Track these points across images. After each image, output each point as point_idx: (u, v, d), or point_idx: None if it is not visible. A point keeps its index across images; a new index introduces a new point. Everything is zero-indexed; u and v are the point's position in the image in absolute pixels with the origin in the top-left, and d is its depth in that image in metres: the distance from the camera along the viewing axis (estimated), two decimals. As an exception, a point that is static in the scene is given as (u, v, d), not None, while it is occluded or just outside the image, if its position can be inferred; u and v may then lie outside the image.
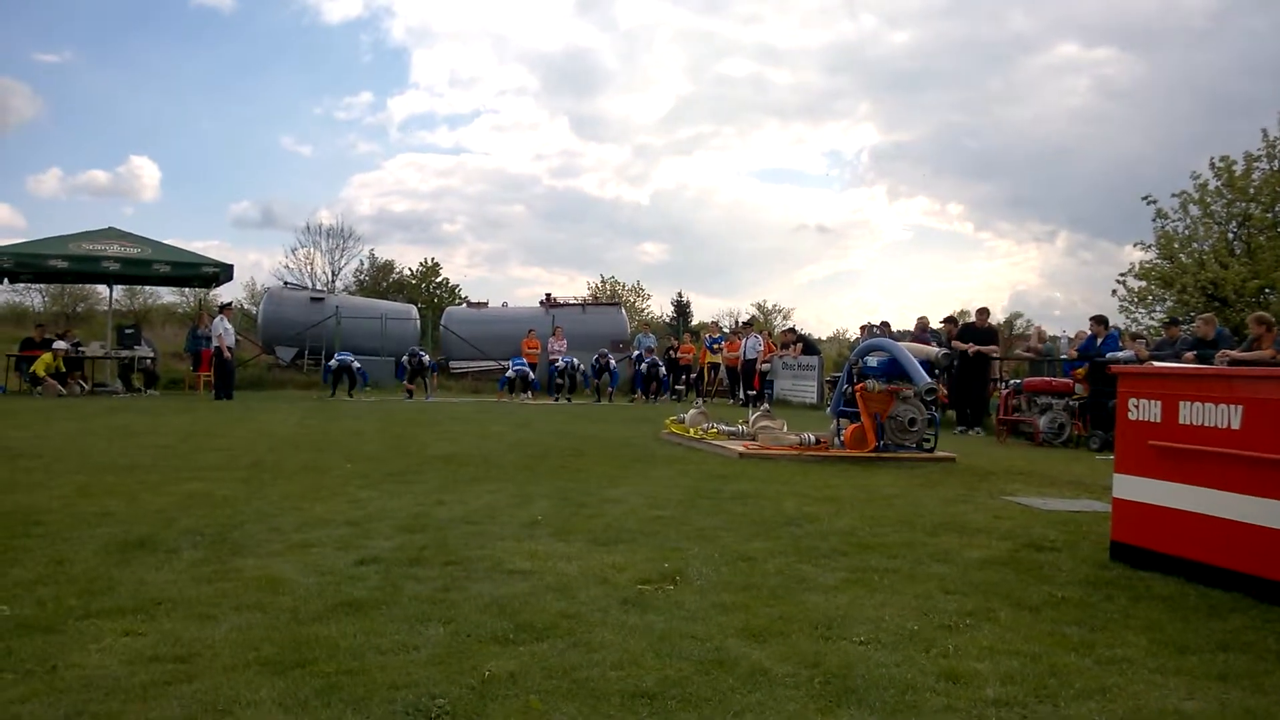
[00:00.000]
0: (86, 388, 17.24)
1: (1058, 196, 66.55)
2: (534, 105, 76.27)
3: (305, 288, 31.17)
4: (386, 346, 22.86)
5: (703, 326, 34.21)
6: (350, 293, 39.09)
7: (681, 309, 49.49)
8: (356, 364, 17.65)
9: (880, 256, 78.11)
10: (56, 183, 66.47)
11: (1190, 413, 4.02)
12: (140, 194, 67.96)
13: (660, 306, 51.47)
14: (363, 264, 48.36)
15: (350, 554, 4.03)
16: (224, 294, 23.23)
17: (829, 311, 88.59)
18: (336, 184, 76.17)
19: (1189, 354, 10.48)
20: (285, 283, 33.67)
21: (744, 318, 38.01)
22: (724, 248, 75.93)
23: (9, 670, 2.53)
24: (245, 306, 37.83)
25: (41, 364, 16.01)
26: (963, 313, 18.38)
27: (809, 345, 20.45)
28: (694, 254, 74.89)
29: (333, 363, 17.68)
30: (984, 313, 14.25)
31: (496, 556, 4.03)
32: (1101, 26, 60.57)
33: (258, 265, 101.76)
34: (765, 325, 40.02)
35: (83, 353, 17.85)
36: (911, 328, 16.63)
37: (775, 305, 53.24)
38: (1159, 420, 4.16)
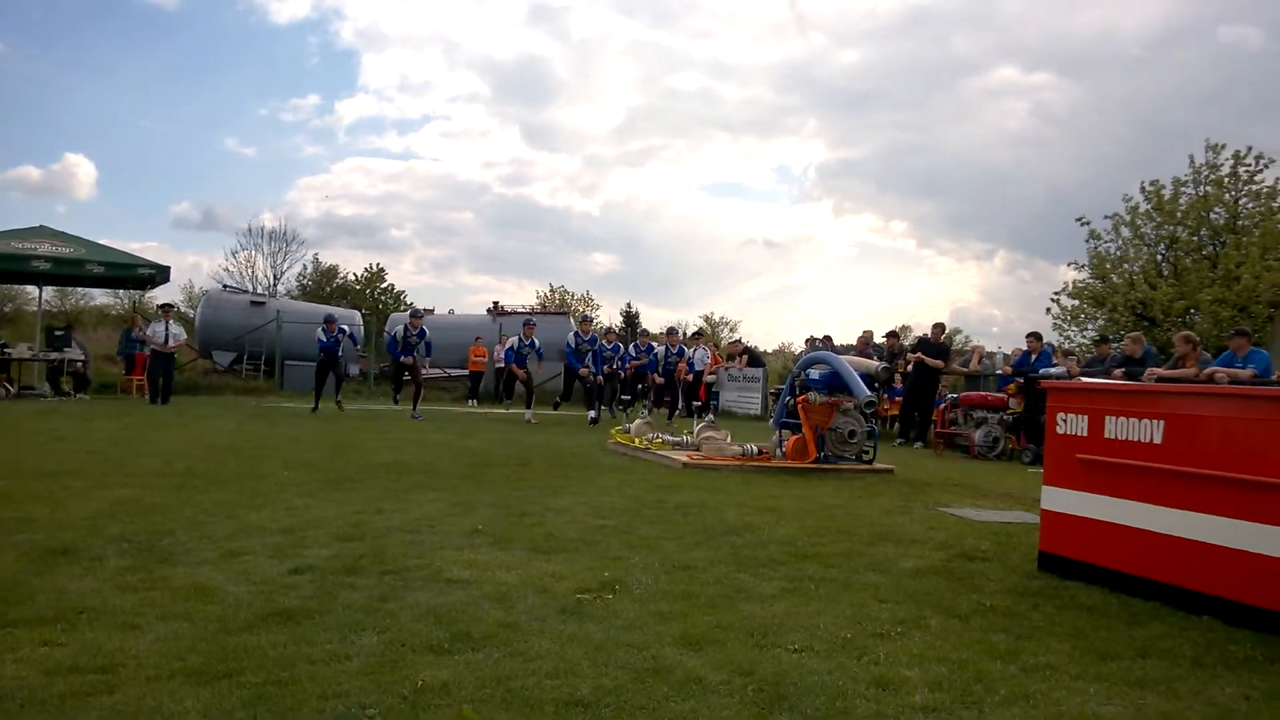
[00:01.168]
0: (12, 390, 16.67)
1: (997, 216, 68.17)
2: (485, 113, 76.04)
3: (245, 291, 30.61)
4: (328, 353, 22.50)
5: (653, 337, 34.27)
6: (293, 297, 38.49)
7: (630, 319, 49.57)
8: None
9: (825, 271, 79.16)
10: (-18, 178, 64.45)
11: (1115, 427, 4.14)
12: (75, 192, 66.22)
13: (609, 316, 51.48)
14: (306, 268, 47.68)
15: (284, 562, 3.96)
16: (160, 296, 22.71)
17: (775, 324, 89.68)
18: (281, 187, 75.10)
19: (1118, 371, 10.79)
20: (224, 286, 32.98)
21: (691, 329, 38.24)
22: (673, 259, 76.32)
23: (-80, 682, 2.45)
24: (183, 309, 36.97)
25: None
26: (904, 328, 18.71)
27: (754, 357, 20.66)
28: (644, 265, 75.15)
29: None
30: (939, 328, 14.50)
31: (435, 565, 4.00)
32: (1040, 52, 62.31)
33: (197, 268, 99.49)
34: (713, 337, 40.28)
35: (9, 354, 17.26)
36: (854, 342, 16.90)
37: (723, 317, 53.59)
38: (1086, 434, 4.29)
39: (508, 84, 73.52)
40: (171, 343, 16.50)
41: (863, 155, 73.73)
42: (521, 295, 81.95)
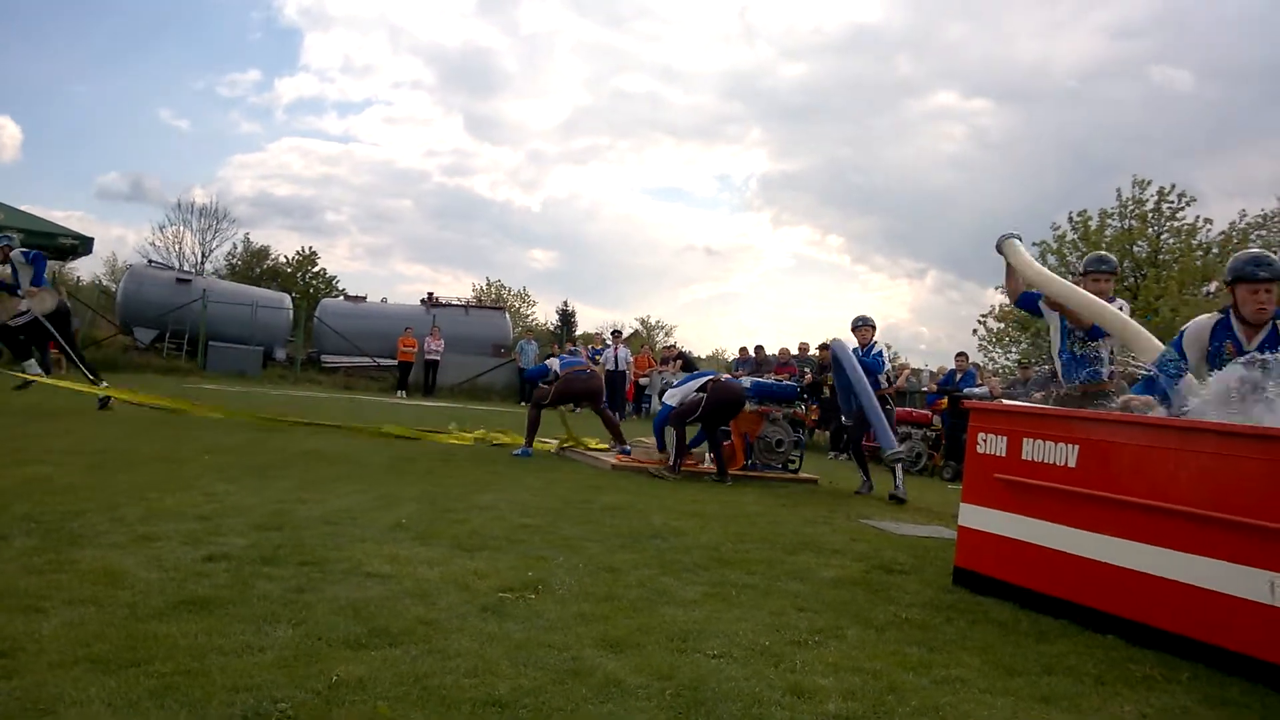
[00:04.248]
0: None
1: (930, 236, 69.65)
2: (428, 100, 75.20)
3: (171, 268, 29.69)
4: (256, 335, 22.03)
5: (586, 337, 34.26)
6: (220, 276, 37.49)
7: (566, 318, 49.45)
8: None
9: (762, 281, 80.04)
10: (-106, 135, 61.54)
11: (1032, 449, 4.27)
12: (-1, 153, 63.57)
13: (545, 314, 51.31)
14: (236, 247, 46.50)
15: (199, 549, 3.86)
16: (82, 268, 21.92)
17: (710, 331, 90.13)
18: (214, 162, 73.19)
19: (1038, 394, 11.11)
20: (150, 261, 31.94)
21: (628, 331, 38.35)
22: (612, 260, 76.45)
23: None
24: (104, 283, 35.76)
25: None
26: (836, 341, 19.00)
27: (688, 363, 20.75)
28: (582, 264, 75.13)
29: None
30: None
31: (355, 558, 3.94)
32: (980, 79, 63.93)
33: (122, 240, 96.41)
34: (647, 340, 40.37)
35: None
36: (778, 354, 17.14)
37: (659, 321, 53.85)
38: (1004, 455, 4.41)
39: (453, 73, 72.87)
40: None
41: (803, 168, 74.78)
42: (457, 287, 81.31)
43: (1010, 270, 6.05)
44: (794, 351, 17.76)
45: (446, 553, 4.24)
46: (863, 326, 9.03)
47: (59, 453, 6.38)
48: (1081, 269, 6.04)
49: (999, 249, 6.08)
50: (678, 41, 73.61)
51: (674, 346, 24.85)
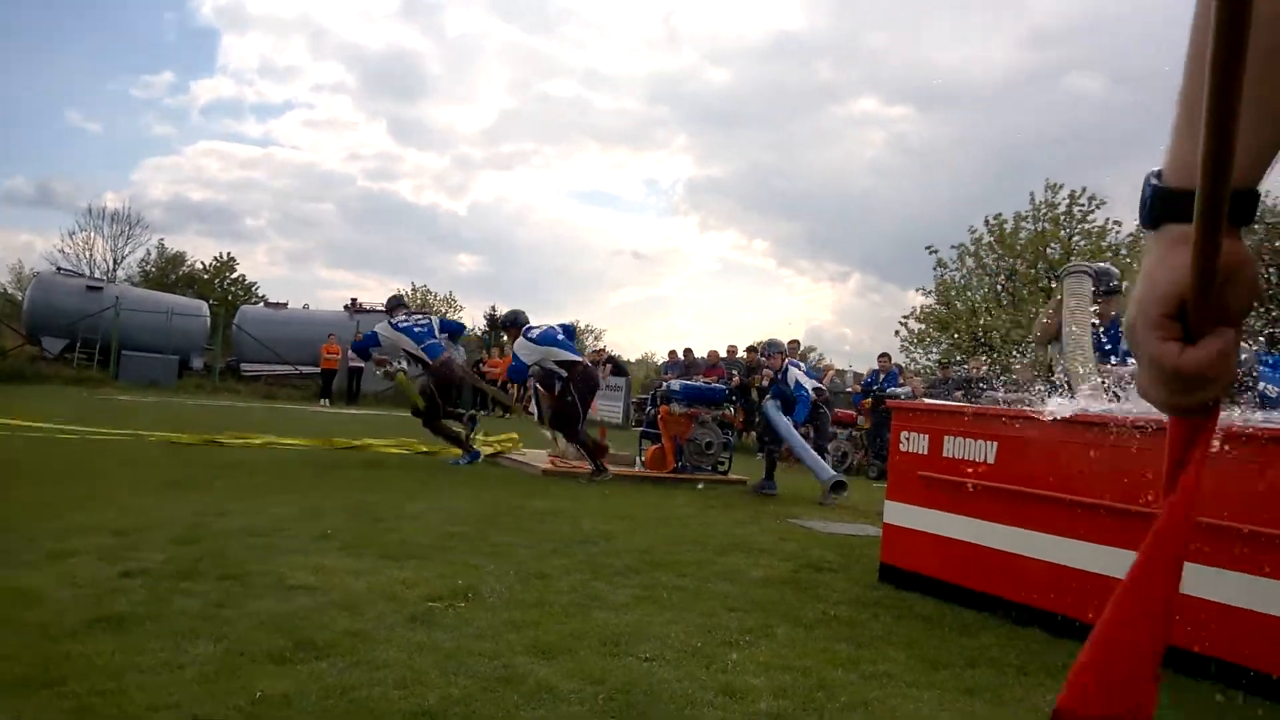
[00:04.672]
0: None
1: (853, 240, 71.13)
2: (351, 104, 73.95)
3: (82, 275, 28.64)
4: (171, 343, 21.38)
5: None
6: (134, 284, 36.26)
7: (494, 323, 49.09)
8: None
9: (690, 284, 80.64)
10: None
11: (953, 446, 4.39)
12: (-113, 157, 60.47)
13: (473, 319, 50.83)
14: (150, 254, 45.02)
15: (115, 565, 3.72)
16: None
17: (639, 335, 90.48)
18: (127, 166, 70.81)
19: (958, 393, 11.42)
20: (59, 268, 30.75)
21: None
22: (540, 265, 76.16)
23: None
24: (9, 291, 34.30)
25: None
26: (760, 342, 19.26)
27: (618, 366, 20.82)
28: (510, 269, 74.66)
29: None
30: (795, 345, 14.97)
31: (279, 571, 3.85)
32: (900, 86, 65.47)
33: (29, 247, 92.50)
34: (578, 344, 40.32)
35: None
36: (718, 354, 17.28)
37: (589, 325, 53.77)
38: (926, 452, 4.53)
39: (376, 76, 71.88)
40: None
41: (729, 173, 75.61)
42: (382, 293, 79.90)
43: (1058, 305, 5.11)
44: (723, 354, 17.90)
45: (374, 563, 4.17)
46: (774, 355, 9.18)
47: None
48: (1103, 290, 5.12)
49: (1059, 277, 5.25)
50: (602, 45, 73.93)
51: (604, 350, 24.85)
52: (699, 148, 75.50)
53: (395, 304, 9.62)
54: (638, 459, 9.32)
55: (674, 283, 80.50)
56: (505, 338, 9.86)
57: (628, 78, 74.62)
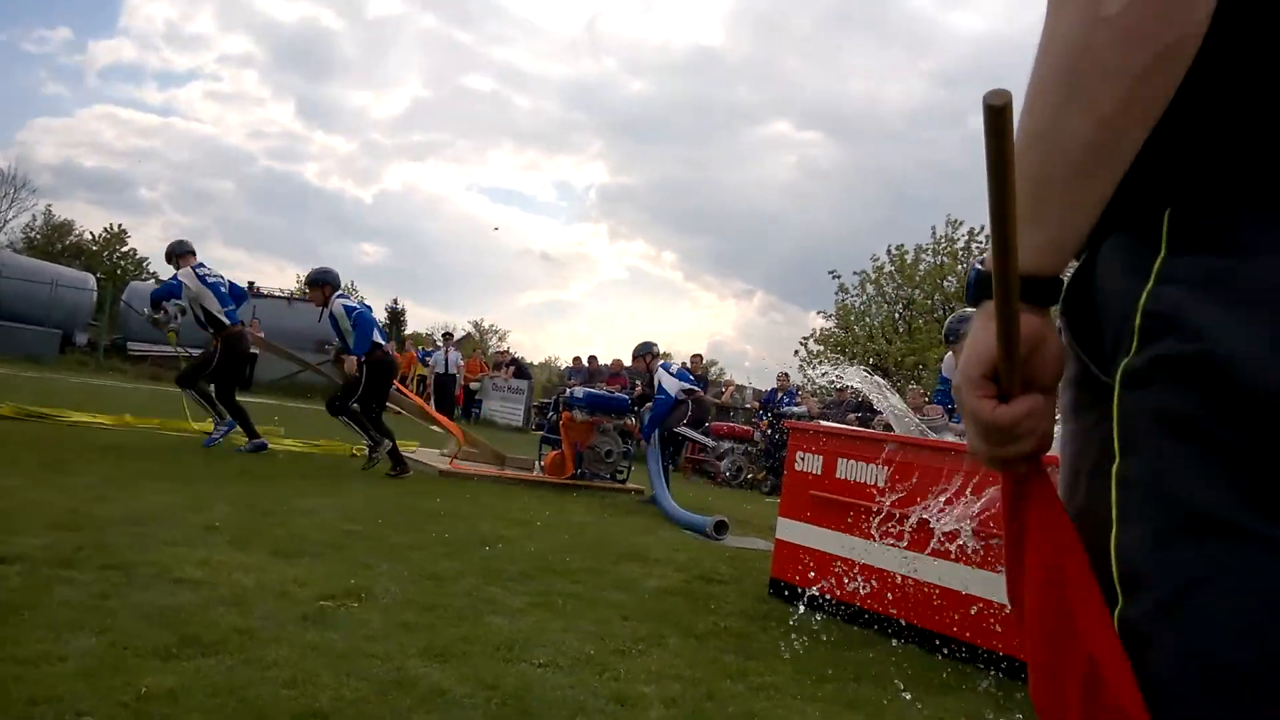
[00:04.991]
0: None
1: (759, 259, 72.64)
2: (258, 79, 71.87)
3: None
4: (53, 316, 20.31)
5: (417, 337, 33.56)
6: (16, 250, 34.35)
7: (396, 316, 48.15)
8: None
9: (597, 291, 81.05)
10: None
11: (846, 469, 4.56)
12: None
13: (374, 310, 49.86)
14: (35, 219, 42.70)
15: (-14, 551, 3.57)
16: None
17: (544, 338, 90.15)
18: (13, 124, 67.12)
19: (852, 415, 11.78)
20: (-71, 229, 28.92)
21: (459, 333, 37.75)
22: (447, 260, 75.38)
23: None
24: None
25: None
26: (666, 354, 19.47)
27: (521, 369, 20.73)
28: (415, 262, 73.67)
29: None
30: (698, 359, 15.19)
31: (164, 562, 3.73)
32: (814, 112, 67.16)
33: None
34: (480, 344, 39.92)
35: None
36: (621, 363, 17.36)
37: (492, 325, 53.36)
38: (820, 473, 4.68)
39: (287, 52, 70.12)
40: None
41: (642, 183, 76.36)
42: (280, 278, 77.74)
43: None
44: (627, 363, 18.03)
45: (264, 558, 4.09)
46: (639, 357, 9.36)
47: None
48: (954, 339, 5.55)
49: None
50: (524, 45, 73.83)
51: (507, 352, 24.71)
52: (614, 155, 76.06)
53: (186, 249, 8.39)
54: (537, 463, 9.32)
55: (581, 288, 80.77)
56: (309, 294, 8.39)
57: (547, 79, 74.63)
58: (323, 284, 8.20)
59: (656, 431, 8.59)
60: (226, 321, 8.15)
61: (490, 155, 78.48)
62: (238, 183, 71.23)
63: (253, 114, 73.07)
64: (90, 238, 43.69)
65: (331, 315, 8.00)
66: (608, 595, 4.30)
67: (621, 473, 9.34)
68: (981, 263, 0.85)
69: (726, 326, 79.34)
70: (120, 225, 46.54)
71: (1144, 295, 0.81)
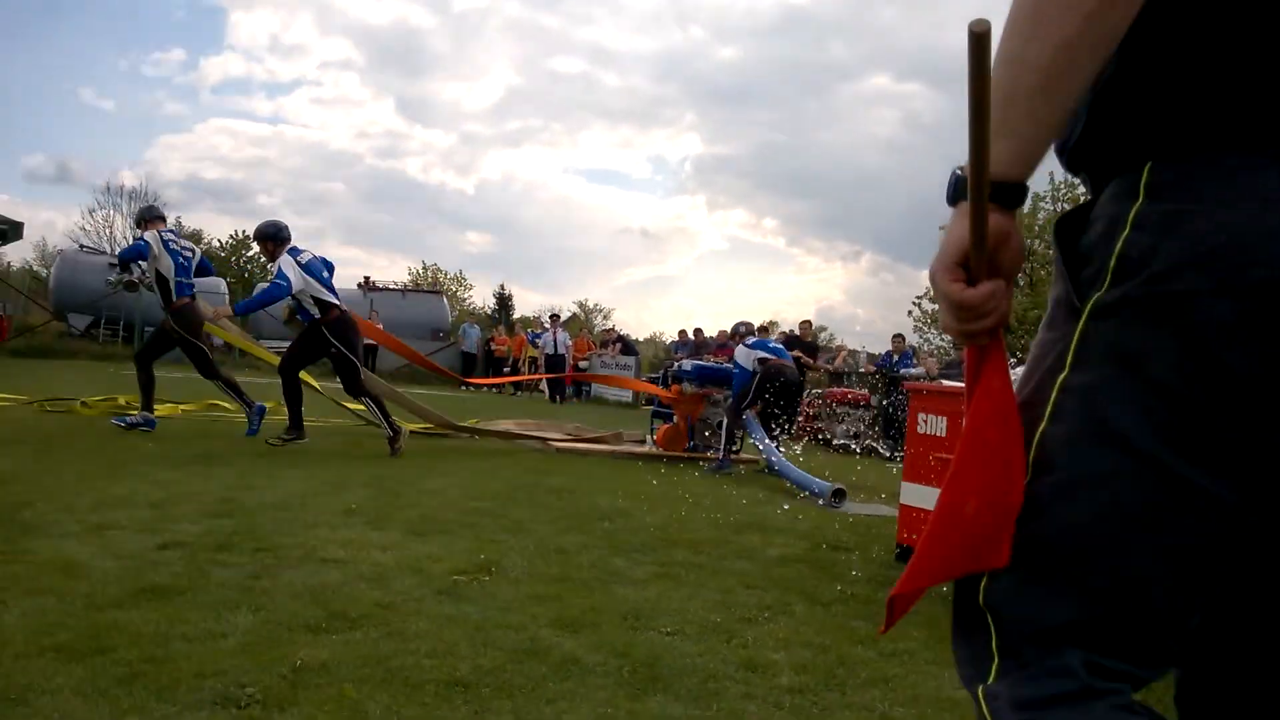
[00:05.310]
0: None
1: (864, 219, 70.97)
2: (359, 82, 74.05)
3: (103, 252, 28.79)
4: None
5: (525, 321, 34.20)
6: (153, 261, 36.37)
7: (504, 301, 49.21)
8: None
9: (698, 264, 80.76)
10: None
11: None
12: (-84, 138, 60.98)
13: (482, 298, 50.99)
14: (168, 232, 45.14)
15: (152, 537, 3.84)
16: (10, 253, 21.18)
17: (647, 314, 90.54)
18: (142, 144, 71.08)
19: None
20: (81, 246, 30.98)
21: (565, 314, 38.32)
22: (548, 244, 76.35)
23: None
24: (35, 269, 34.51)
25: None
26: (772, 323, 19.33)
27: (627, 346, 20.90)
28: (517, 247, 74.89)
29: None
30: (807, 325, 14.99)
31: (309, 544, 3.95)
32: (914, 63, 65.01)
33: (51, 225, 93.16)
34: (586, 324, 40.39)
35: None
36: (727, 334, 17.30)
37: (596, 304, 53.92)
38: (944, 434, 4.59)
39: (383, 53, 71.98)
40: None
41: (738, 151, 75.50)
42: (393, 271, 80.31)
43: None
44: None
45: (399, 537, 4.27)
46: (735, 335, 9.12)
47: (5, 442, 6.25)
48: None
49: None
50: (609, 23, 73.75)
51: (613, 329, 24.91)
52: (707, 126, 75.44)
53: (155, 214, 8.03)
54: (648, 438, 9.40)
55: (682, 262, 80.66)
56: (261, 252, 7.73)
57: (634, 54, 74.39)
58: (265, 239, 7.57)
59: (747, 406, 8.46)
60: (175, 291, 7.63)
61: (583, 136, 79.09)
62: (347, 183, 73.86)
63: (355, 115, 75.57)
64: (218, 245, 45.91)
65: (280, 272, 7.33)
66: (730, 564, 4.33)
67: (735, 444, 9.34)
68: (960, 169, 0.97)
69: (835, 290, 78.10)
70: (244, 231, 48.67)
71: (1120, 240, 0.94)
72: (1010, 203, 0.97)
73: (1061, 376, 0.98)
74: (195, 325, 7.73)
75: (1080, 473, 0.95)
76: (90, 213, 42.68)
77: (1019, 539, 0.98)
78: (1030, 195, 1.02)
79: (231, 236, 46.47)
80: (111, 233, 41.27)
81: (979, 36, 0.81)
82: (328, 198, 73.73)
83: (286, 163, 72.94)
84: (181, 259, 7.65)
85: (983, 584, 1.02)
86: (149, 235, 7.56)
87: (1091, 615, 0.94)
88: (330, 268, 7.74)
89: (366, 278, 26.61)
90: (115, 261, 8.15)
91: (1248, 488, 0.91)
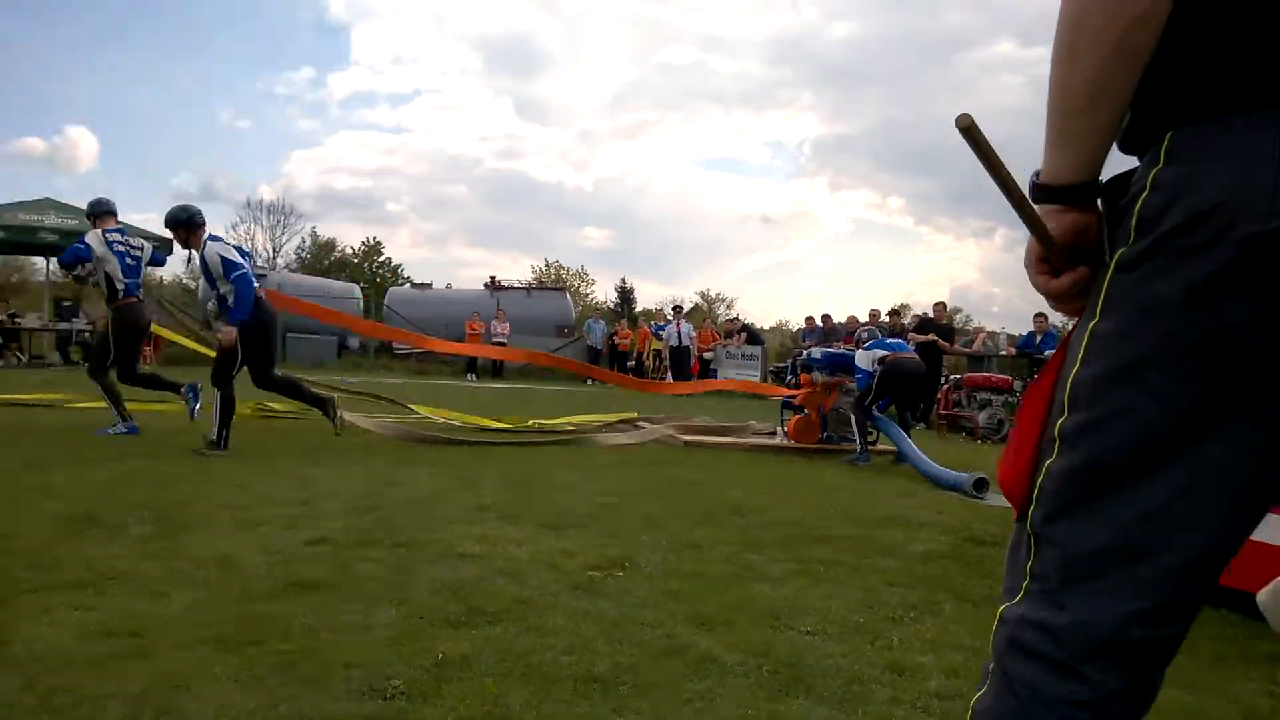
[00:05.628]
0: (23, 359, 16.77)
1: (996, 193, 67.82)
2: (476, 86, 75.82)
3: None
4: (329, 325, 22.47)
5: (648, 314, 34.34)
6: (292, 270, 38.37)
7: (625, 295, 49.53)
8: None
9: (822, 248, 79.31)
10: (-11, 149, 64.39)
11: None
12: (78, 165, 66.29)
13: (604, 292, 51.45)
14: (304, 241, 47.52)
15: (299, 533, 3.99)
16: (161, 269, 22.57)
17: (772, 301, 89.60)
18: (276, 159, 74.94)
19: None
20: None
21: (687, 305, 38.27)
22: (667, 235, 76.39)
23: (-43, 643, 2.48)
24: (185, 282, 36.76)
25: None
26: (904, 305, 18.77)
27: (752, 335, 20.67)
28: (637, 240, 75.22)
29: None
30: (941, 307, 14.47)
31: (446, 539, 4.02)
32: (1039, 26, 62.02)
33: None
34: (709, 314, 40.23)
35: (19, 324, 17.34)
36: (857, 320, 16.90)
37: (719, 294, 53.62)
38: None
39: (498, 57, 73.43)
40: None
41: (858, 130, 73.71)
42: (516, 270, 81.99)
43: None
44: (863, 319, 17.49)
45: (533, 532, 4.31)
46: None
47: (154, 444, 6.63)
48: None
49: None
50: (719, 9, 72.98)
51: (737, 319, 24.72)
52: (824, 105, 73.93)
53: (104, 209, 7.41)
54: (779, 429, 9.23)
55: (805, 246, 79.40)
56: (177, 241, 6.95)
57: (746, 39, 73.57)
58: (178, 225, 6.92)
59: (871, 404, 8.18)
60: (121, 291, 7.18)
61: (698, 124, 78.63)
62: (470, 186, 75.80)
63: (475, 119, 77.35)
64: (351, 252, 48.03)
65: (203, 261, 6.69)
66: (871, 561, 4.18)
67: (871, 434, 9.07)
68: (1037, 174, 1.14)
69: (969, 269, 75.34)
70: (375, 238, 51.02)
71: (1140, 200, 1.06)
72: (1080, 201, 1.11)
73: (1092, 324, 1.09)
74: (131, 325, 7.29)
75: (1104, 410, 1.06)
76: (233, 227, 45.28)
77: (1053, 472, 1.11)
78: None
79: (364, 243, 48.44)
80: (253, 245, 43.64)
81: (964, 129, 1.04)
82: (451, 201, 75.94)
83: (411, 169, 75.49)
84: (129, 259, 7.23)
85: (1030, 510, 1.14)
86: (90, 235, 7.21)
87: (1117, 543, 1.06)
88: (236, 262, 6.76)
89: (492, 277, 27.29)
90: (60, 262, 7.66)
91: (1250, 423, 1.01)
